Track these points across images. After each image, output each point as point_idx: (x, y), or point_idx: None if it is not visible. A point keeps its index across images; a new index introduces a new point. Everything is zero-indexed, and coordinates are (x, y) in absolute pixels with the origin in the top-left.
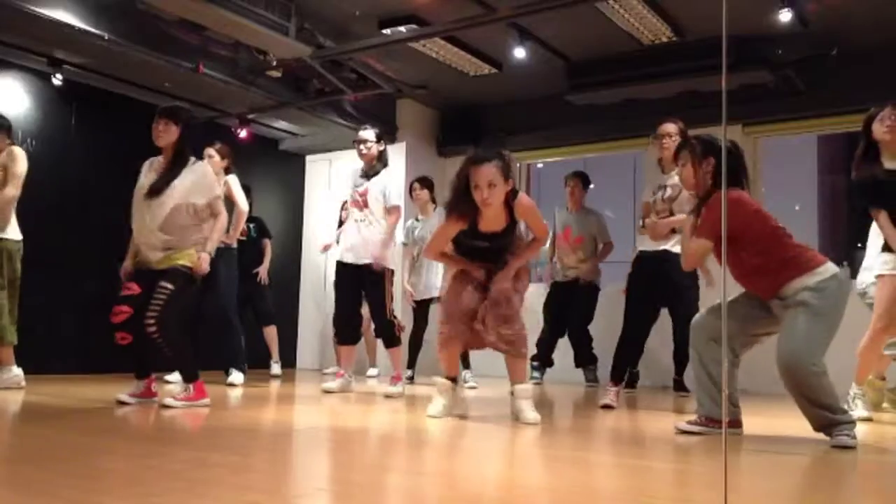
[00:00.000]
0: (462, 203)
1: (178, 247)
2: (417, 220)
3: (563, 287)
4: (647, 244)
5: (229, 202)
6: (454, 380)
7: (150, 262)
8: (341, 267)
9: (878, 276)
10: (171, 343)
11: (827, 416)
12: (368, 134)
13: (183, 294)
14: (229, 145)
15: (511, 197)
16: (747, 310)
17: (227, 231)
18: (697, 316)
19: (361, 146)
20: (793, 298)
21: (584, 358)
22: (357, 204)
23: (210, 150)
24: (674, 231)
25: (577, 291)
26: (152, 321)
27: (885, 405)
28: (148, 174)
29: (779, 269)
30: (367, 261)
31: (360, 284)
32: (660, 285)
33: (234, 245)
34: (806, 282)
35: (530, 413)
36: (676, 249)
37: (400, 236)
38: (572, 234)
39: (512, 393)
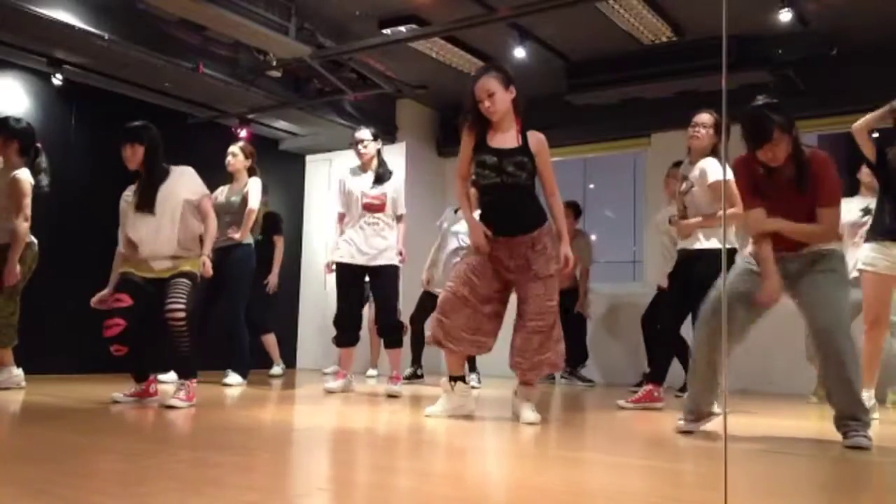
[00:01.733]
0: (471, 117)
1: (186, 256)
2: (456, 212)
3: None
4: (683, 242)
5: (244, 202)
6: (460, 378)
7: (154, 271)
8: (345, 268)
9: (860, 271)
10: (189, 335)
11: (858, 403)
12: (365, 133)
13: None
14: (254, 145)
15: (523, 126)
16: (748, 292)
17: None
18: (705, 318)
19: (360, 146)
20: (821, 263)
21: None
22: (371, 207)
23: (234, 149)
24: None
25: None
26: (181, 310)
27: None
28: (132, 197)
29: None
30: (383, 262)
31: (363, 285)
32: (700, 285)
33: (250, 241)
34: (835, 248)
35: (530, 413)
36: (707, 245)
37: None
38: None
39: (515, 393)
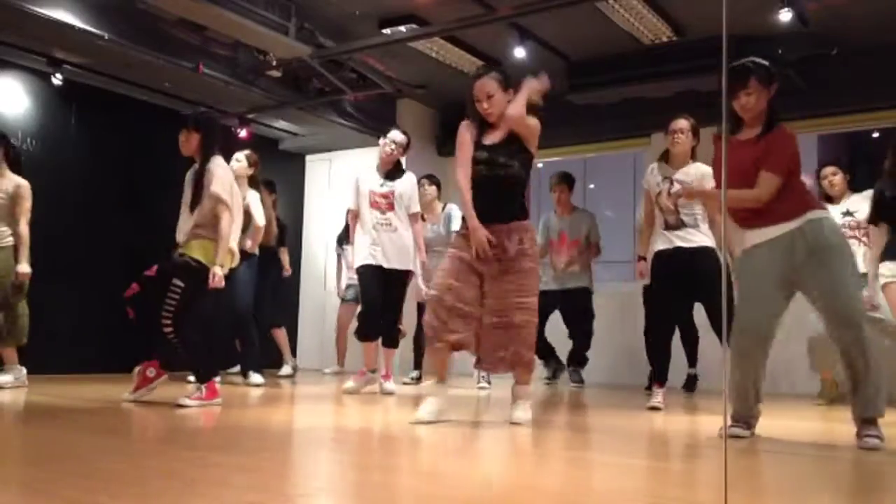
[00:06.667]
0: (471, 116)
1: (201, 235)
2: (423, 219)
3: (553, 294)
4: (660, 243)
5: (247, 215)
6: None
7: (178, 241)
8: (366, 268)
9: (884, 286)
10: (184, 342)
11: (880, 396)
12: (397, 136)
13: (196, 292)
14: (259, 154)
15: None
16: (776, 297)
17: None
18: (750, 324)
19: (392, 146)
20: (817, 237)
21: (577, 358)
22: (378, 206)
23: (238, 155)
24: (685, 224)
25: (568, 297)
26: (168, 320)
27: None
28: (189, 185)
29: (802, 195)
30: (398, 267)
31: (385, 285)
32: (689, 281)
33: (256, 252)
34: (823, 214)
35: (519, 412)
36: (709, 244)
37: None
38: (568, 238)
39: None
